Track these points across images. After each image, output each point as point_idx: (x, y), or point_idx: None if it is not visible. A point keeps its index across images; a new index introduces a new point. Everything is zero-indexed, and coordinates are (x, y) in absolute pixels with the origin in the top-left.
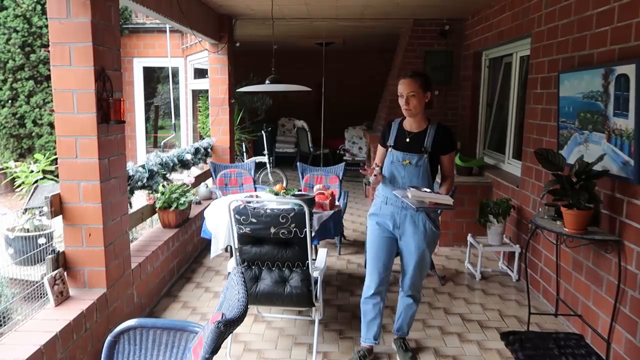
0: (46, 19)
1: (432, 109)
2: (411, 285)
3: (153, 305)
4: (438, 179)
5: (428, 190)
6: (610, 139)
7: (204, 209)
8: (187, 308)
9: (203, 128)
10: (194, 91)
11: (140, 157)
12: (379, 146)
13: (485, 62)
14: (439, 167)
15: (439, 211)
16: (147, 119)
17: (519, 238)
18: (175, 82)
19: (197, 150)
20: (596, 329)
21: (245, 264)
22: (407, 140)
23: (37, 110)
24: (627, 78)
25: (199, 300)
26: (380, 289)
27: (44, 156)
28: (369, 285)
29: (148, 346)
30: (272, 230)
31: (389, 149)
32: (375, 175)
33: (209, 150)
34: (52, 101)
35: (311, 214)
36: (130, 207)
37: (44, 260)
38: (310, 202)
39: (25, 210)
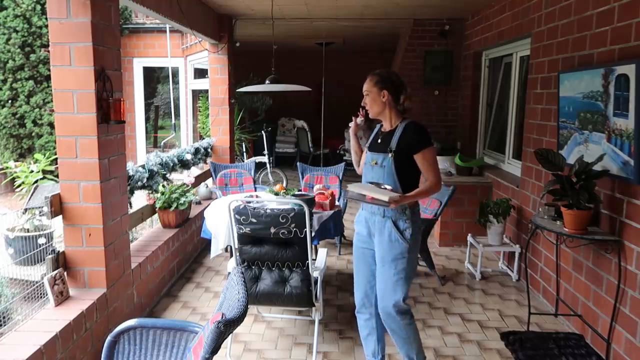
0: (46, 19)
1: (406, 112)
2: (382, 307)
3: (153, 305)
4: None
5: (388, 187)
6: (610, 139)
7: (204, 209)
8: (187, 308)
9: (203, 128)
10: (194, 91)
11: (140, 157)
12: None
13: (485, 62)
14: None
15: (407, 214)
16: (147, 119)
17: (519, 238)
18: (175, 82)
19: (197, 150)
20: (596, 329)
21: (245, 264)
22: (379, 140)
23: (37, 110)
24: (627, 78)
25: (199, 300)
26: (365, 303)
27: (44, 156)
28: (356, 301)
29: (148, 346)
30: (272, 230)
31: (365, 150)
32: (358, 123)
33: (209, 150)
34: (52, 101)
35: (311, 214)
36: (130, 207)
37: (44, 260)
38: (310, 202)
39: (25, 210)
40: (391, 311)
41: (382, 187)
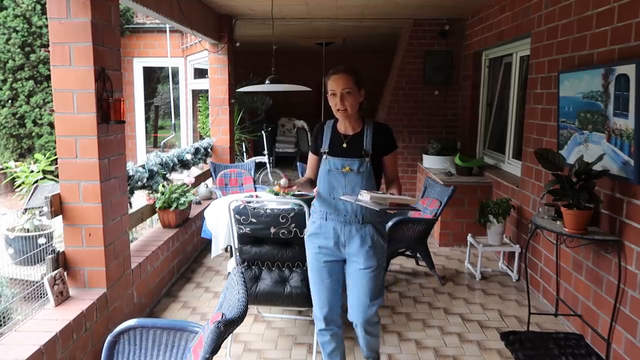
0: (46, 18)
1: (362, 110)
2: (365, 318)
3: (153, 305)
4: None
5: (380, 192)
6: (610, 139)
7: (204, 209)
8: (187, 308)
9: (203, 128)
10: (194, 91)
11: (140, 157)
12: (310, 154)
13: (485, 62)
14: (382, 172)
15: (387, 222)
16: (147, 119)
17: (519, 238)
18: (175, 82)
19: (197, 150)
20: (596, 329)
21: (245, 264)
22: (345, 145)
23: (37, 110)
24: (627, 78)
25: (199, 300)
26: (333, 318)
27: (44, 156)
28: (320, 318)
29: (148, 346)
30: (272, 230)
31: (324, 156)
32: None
33: (209, 150)
34: (52, 101)
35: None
36: (130, 207)
37: (44, 260)
38: (310, 202)
39: (25, 210)
40: (374, 315)
41: (376, 192)
